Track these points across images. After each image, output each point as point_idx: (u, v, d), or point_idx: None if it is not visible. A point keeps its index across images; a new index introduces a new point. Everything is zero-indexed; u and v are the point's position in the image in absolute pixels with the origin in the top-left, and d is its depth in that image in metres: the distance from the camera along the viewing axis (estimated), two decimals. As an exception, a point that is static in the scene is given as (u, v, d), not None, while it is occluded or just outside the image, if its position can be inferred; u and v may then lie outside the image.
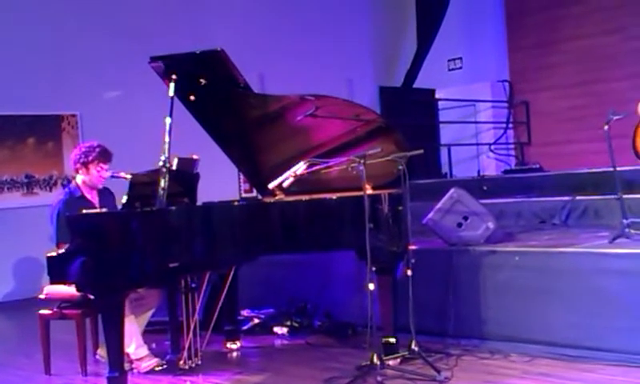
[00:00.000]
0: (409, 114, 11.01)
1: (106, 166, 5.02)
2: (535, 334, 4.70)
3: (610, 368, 4.23)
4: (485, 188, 7.66)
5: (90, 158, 5.00)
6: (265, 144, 5.06)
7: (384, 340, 4.65)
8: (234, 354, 5.31)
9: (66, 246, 4.31)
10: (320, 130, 4.83)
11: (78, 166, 5.04)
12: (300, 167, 4.58)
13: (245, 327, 5.75)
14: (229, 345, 5.36)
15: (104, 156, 5.03)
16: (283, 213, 4.48)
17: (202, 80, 4.66)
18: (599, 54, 10.82)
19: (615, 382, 4.02)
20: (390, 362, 4.46)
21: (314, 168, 4.58)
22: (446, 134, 11.77)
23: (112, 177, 4.92)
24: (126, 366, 4.43)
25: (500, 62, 11.96)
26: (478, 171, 10.82)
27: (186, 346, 4.80)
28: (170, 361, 4.88)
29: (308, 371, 4.67)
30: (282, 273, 6.08)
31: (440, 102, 11.87)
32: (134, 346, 4.78)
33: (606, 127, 4.95)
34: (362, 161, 4.23)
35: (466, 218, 5.26)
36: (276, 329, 5.74)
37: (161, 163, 4.34)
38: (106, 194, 5.18)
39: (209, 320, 5.21)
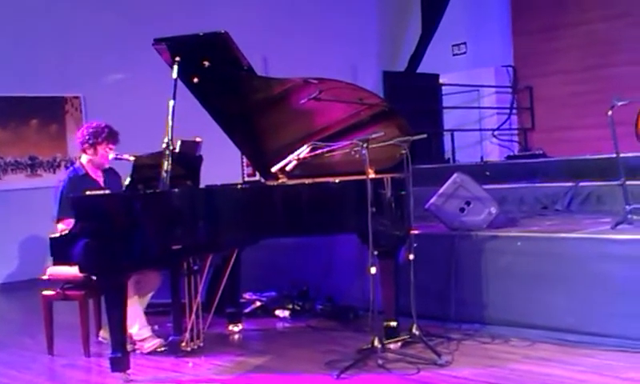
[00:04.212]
0: (412, 99, 10.95)
1: (114, 147, 5.04)
2: (536, 318, 4.70)
3: (610, 353, 4.24)
4: (488, 173, 7.64)
5: (100, 139, 5.02)
6: (268, 127, 5.06)
7: (385, 324, 4.66)
8: (236, 336, 5.34)
9: (67, 221, 4.33)
10: (323, 113, 4.82)
11: (86, 146, 5.05)
12: (303, 151, 4.57)
13: (247, 310, 5.77)
14: (231, 327, 5.39)
15: (113, 137, 5.06)
16: (286, 196, 4.48)
17: (205, 62, 4.65)
18: (604, 39, 10.75)
19: (615, 367, 4.03)
20: (391, 346, 4.48)
21: (317, 151, 4.58)
22: (450, 119, 11.73)
23: (115, 159, 4.92)
24: (129, 346, 4.46)
25: (504, 47, 11.89)
26: (481, 157, 10.80)
27: (189, 328, 4.83)
28: (172, 342, 4.90)
29: (309, 354, 4.69)
30: (284, 256, 6.09)
31: (444, 87, 11.82)
32: (137, 326, 4.82)
33: (609, 113, 4.94)
34: (364, 145, 4.22)
35: (468, 203, 5.26)
36: (278, 312, 5.76)
37: (164, 145, 4.35)
38: (111, 174, 5.19)
39: (211, 302, 5.24)
